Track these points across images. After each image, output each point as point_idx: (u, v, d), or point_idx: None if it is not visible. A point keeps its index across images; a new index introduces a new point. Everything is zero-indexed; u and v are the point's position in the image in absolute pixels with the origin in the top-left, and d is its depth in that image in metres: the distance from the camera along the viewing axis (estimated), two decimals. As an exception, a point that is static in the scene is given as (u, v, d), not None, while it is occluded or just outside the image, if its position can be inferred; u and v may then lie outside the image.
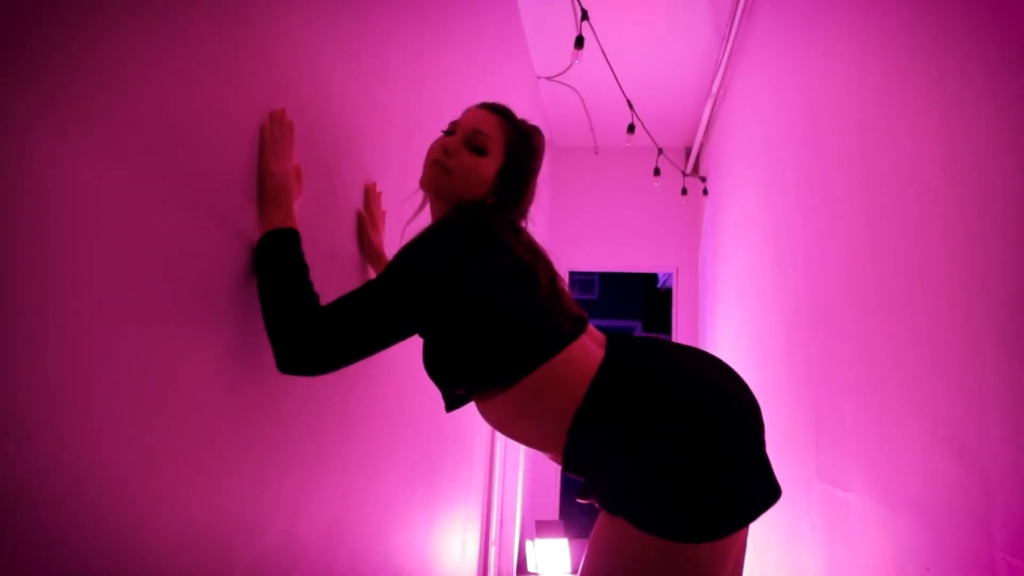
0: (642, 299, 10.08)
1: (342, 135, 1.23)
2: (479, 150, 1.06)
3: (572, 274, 5.11)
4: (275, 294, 0.89)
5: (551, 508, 4.40)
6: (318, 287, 0.95)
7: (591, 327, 1.03)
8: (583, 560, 0.95)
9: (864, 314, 1.48)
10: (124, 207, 0.67)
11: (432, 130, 1.55)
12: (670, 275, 4.92)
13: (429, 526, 1.94)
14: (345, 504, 1.28)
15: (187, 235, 0.78)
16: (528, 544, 3.84)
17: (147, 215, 0.70)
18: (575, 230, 4.70)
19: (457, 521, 2.37)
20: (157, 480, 0.73)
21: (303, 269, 0.93)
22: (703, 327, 4.38)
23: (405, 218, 1.41)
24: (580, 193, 4.76)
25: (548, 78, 3.78)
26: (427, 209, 1.19)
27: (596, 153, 4.66)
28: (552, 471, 4.44)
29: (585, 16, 2.04)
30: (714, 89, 3.56)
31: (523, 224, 1.12)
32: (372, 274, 1.38)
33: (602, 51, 2.36)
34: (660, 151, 3.89)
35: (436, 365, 0.97)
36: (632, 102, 3.22)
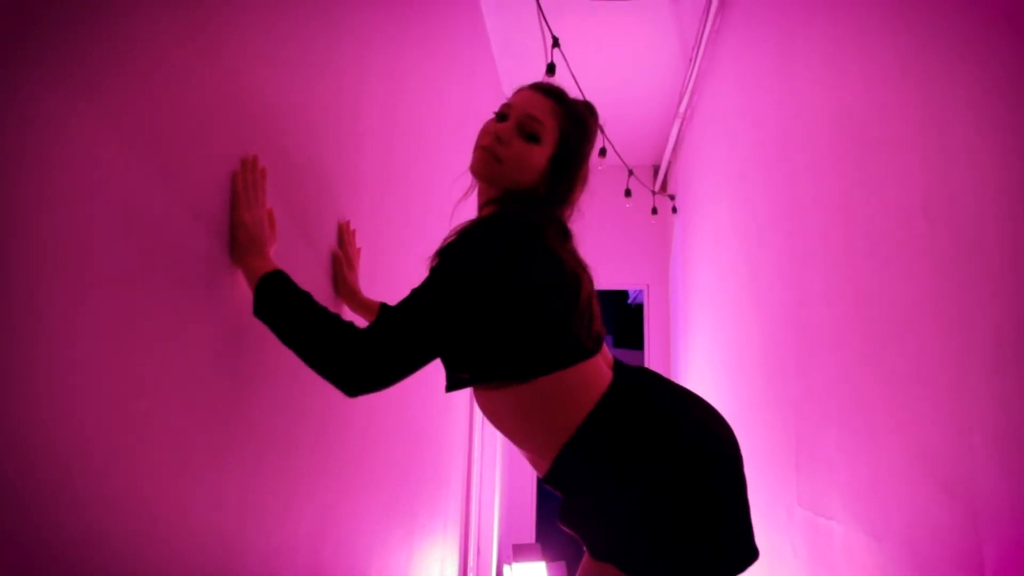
0: (613, 314, 10.22)
1: (312, 173, 1.19)
2: (532, 137, 1.02)
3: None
4: (307, 330, 0.85)
5: (527, 531, 4.35)
6: None
7: (604, 347, 1.02)
8: None
9: (845, 336, 1.48)
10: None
11: (402, 159, 1.50)
12: (640, 291, 4.95)
13: (408, 561, 1.89)
14: (325, 540, 1.22)
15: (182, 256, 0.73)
16: (506, 569, 3.78)
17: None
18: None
19: (435, 552, 2.32)
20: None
21: (311, 298, 0.89)
22: (675, 342, 4.41)
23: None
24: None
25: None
26: (474, 193, 1.16)
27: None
28: (528, 493, 4.40)
29: (556, 44, 2.04)
30: (681, 110, 3.60)
31: (571, 213, 1.10)
32: (347, 313, 1.34)
33: (572, 76, 2.36)
34: (631, 172, 3.92)
35: (470, 352, 0.94)
36: (602, 125, 3.23)
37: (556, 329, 0.92)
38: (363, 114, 1.44)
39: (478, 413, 3.03)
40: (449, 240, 0.95)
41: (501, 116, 1.05)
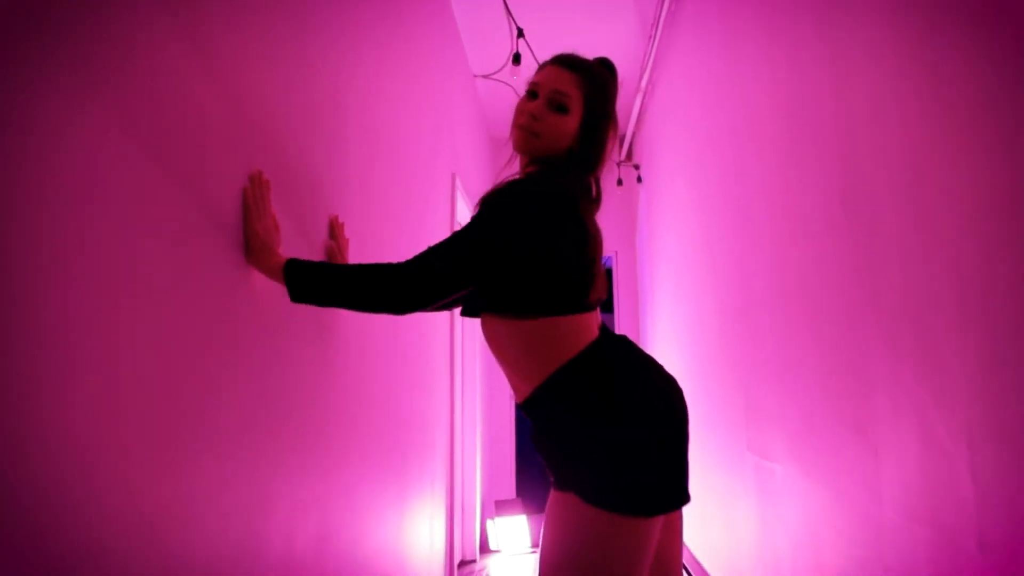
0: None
1: (302, 173, 1.33)
2: (562, 108, 1.17)
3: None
4: (349, 281, 1.06)
5: (508, 487, 4.60)
6: (301, 312, 1.12)
7: (597, 310, 1.20)
8: (542, 535, 1.11)
9: (782, 306, 1.69)
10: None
11: (382, 149, 1.64)
12: (609, 257, 5.15)
13: (400, 522, 2.09)
14: (330, 509, 1.41)
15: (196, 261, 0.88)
16: (489, 523, 4.03)
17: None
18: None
19: (425, 510, 2.52)
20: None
21: (332, 263, 1.10)
22: (642, 306, 4.63)
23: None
24: (520, 182, 4.90)
25: (484, 76, 3.88)
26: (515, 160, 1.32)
27: (533, 144, 4.81)
28: (508, 453, 4.64)
29: (521, 34, 2.16)
30: (643, 84, 3.75)
31: (602, 172, 1.26)
32: None
33: (535, 59, 2.49)
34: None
35: (489, 285, 1.12)
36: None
37: (564, 281, 1.10)
38: (344, 109, 1.57)
39: (459, 388, 3.21)
40: (491, 193, 1.12)
41: (531, 94, 1.21)
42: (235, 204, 1.01)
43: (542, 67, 1.25)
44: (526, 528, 3.99)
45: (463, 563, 3.64)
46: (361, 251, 1.63)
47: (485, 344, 4.74)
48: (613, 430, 1.04)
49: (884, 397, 1.16)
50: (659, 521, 1.05)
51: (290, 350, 1.20)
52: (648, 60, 3.48)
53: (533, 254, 1.08)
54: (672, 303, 3.44)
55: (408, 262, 1.07)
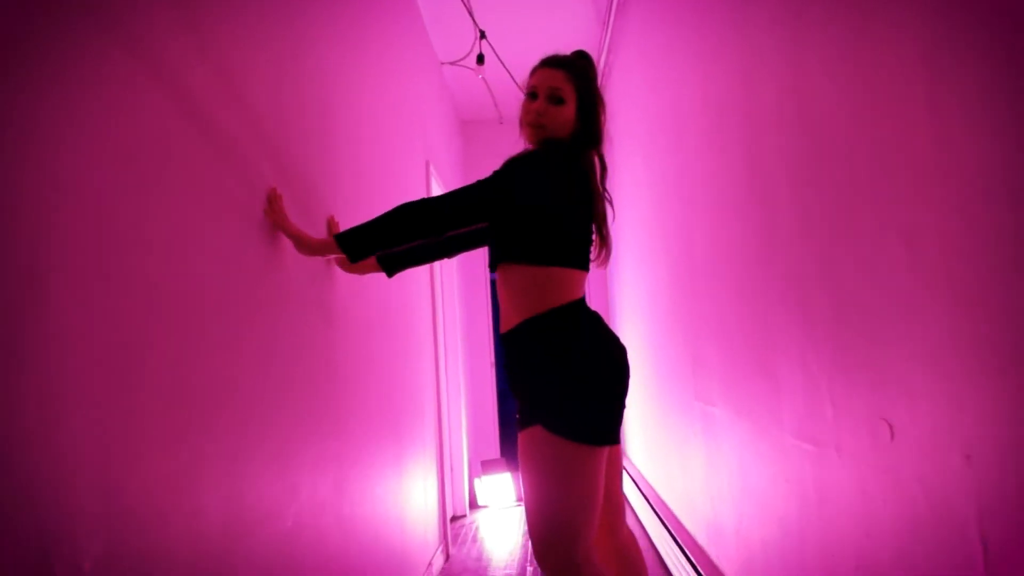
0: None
1: (300, 179, 1.58)
2: (559, 100, 1.46)
3: (490, 236, 5.52)
4: (394, 222, 1.35)
5: (493, 448, 4.93)
6: (309, 299, 1.39)
7: (586, 276, 1.47)
8: (520, 469, 1.40)
9: (716, 268, 1.99)
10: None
11: (364, 145, 1.89)
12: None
13: (400, 481, 2.38)
14: (344, 463, 1.69)
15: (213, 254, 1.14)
16: (476, 481, 4.36)
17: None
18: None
19: (419, 472, 2.81)
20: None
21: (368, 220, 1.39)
22: (610, 278, 4.94)
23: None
24: (491, 159, 5.13)
25: (451, 63, 4.08)
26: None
27: (501, 123, 5.02)
28: (491, 417, 4.96)
29: (483, 35, 2.39)
30: (600, 67, 3.98)
31: (604, 147, 1.53)
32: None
33: (498, 59, 2.71)
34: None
35: (502, 236, 1.41)
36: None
37: (565, 237, 1.38)
38: (331, 110, 1.81)
39: (442, 358, 3.49)
40: (516, 155, 1.41)
41: (532, 96, 1.49)
42: (239, 207, 1.27)
43: (534, 71, 1.53)
44: (511, 484, 4.33)
45: (455, 518, 3.97)
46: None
47: (465, 318, 4.98)
48: (573, 371, 1.32)
49: (781, 344, 1.47)
50: (606, 452, 1.35)
51: (307, 334, 1.46)
52: (604, 44, 3.71)
53: (540, 208, 1.36)
54: (634, 273, 3.74)
55: (441, 195, 1.37)
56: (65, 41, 0.76)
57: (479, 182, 1.37)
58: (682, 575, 2.38)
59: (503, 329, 1.44)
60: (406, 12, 3.14)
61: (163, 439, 0.88)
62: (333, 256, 1.59)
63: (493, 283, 5.40)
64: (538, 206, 1.36)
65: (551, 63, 1.51)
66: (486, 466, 4.41)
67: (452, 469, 4.00)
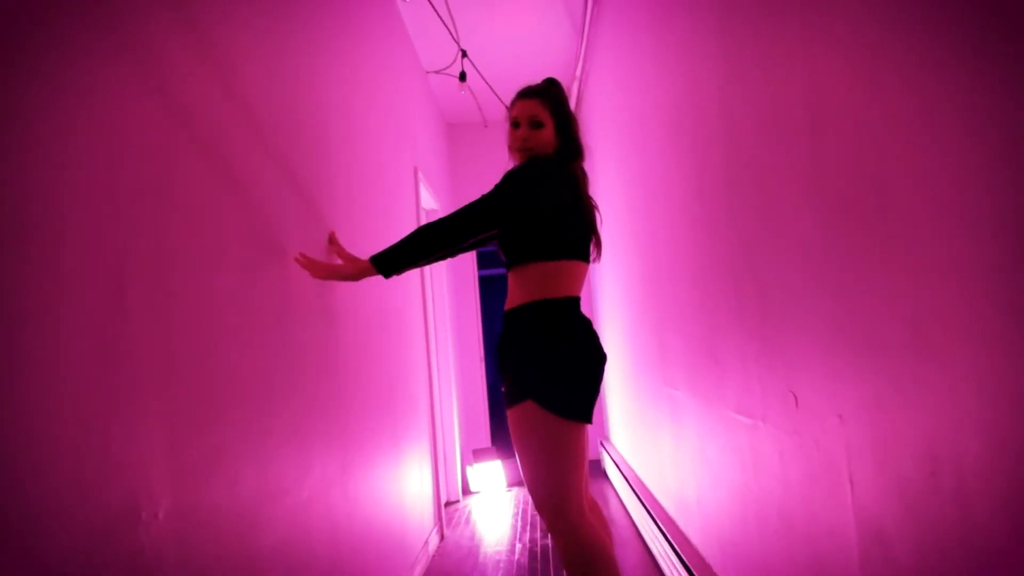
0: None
1: (300, 192, 1.79)
2: (539, 124, 1.71)
3: (477, 235, 5.72)
4: (419, 242, 1.60)
5: (484, 437, 5.16)
6: (311, 305, 1.56)
7: (587, 267, 1.72)
8: (513, 443, 1.62)
9: (675, 264, 2.22)
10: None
11: (358, 156, 2.10)
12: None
13: (398, 469, 2.59)
14: (350, 448, 1.91)
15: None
16: (468, 468, 4.59)
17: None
18: (474, 196, 5.28)
19: (415, 460, 3.02)
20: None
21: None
22: (592, 270, 5.16)
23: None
24: (475, 161, 5.35)
25: (436, 72, 4.28)
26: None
27: (486, 127, 5.23)
28: (481, 407, 5.19)
29: (464, 55, 2.59)
30: (577, 73, 4.19)
31: (584, 161, 1.79)
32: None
33: (479, 73, 2.91)
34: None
35: (510, 240, 1.64)
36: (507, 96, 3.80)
37: (562, 235, 1.61)
38: (325, 125, 2.01)
39: (434, 352, 3.69)
40: (513, 168, 1.63)
41: (515, 125, 1.75)
42: (243, 210, 1.48)
43: (513, 103, 1.78)
44: (501, 471, 4.56)
45: (448, 503, 4.19)
46: (346, 243, 2.09)
47: (455, 316, 5.15)
48: (559, 353, 1.55)
49: (724, 333, 1.70)
50: (586, 429, 1.58)
51: (311, 335, 1.67)
52: (580, 51, 3.92)
53: (539, 211, 1.59)
54: (613, 270, 3.96)
55: (454, 213, 1.60)
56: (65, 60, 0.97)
57: (484, 197, 1.61)
58: (656, 547, 2.62)
59: (507, 307, 1.68)
60: (392, 24, 3.32)
61: (202, 424, 1.10)
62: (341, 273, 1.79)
63: (482, 282, 5.62)
64: (537, 209, 1.60)
65: (527, 94, 1.75)
66: (478, 454, 4.64)
67: (445, 457, 4.22)
